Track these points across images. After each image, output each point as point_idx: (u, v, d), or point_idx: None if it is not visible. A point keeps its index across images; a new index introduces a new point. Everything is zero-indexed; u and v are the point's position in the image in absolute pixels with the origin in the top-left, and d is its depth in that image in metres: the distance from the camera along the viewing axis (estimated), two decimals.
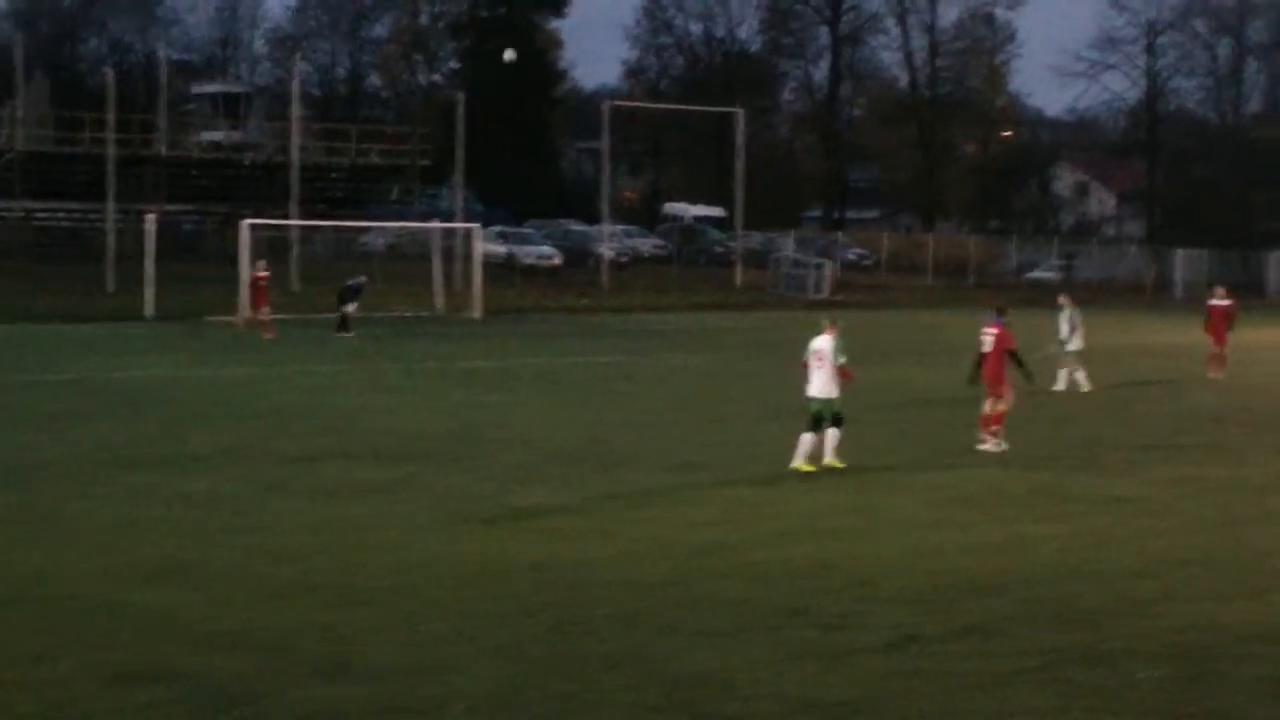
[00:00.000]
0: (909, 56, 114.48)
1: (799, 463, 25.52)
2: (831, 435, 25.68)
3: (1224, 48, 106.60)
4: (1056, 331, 39.42)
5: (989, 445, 28.31)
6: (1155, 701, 14.01)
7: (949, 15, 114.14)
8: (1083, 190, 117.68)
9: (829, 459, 25.64)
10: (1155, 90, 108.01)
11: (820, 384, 25.63)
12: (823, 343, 25.82)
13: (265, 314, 51.73)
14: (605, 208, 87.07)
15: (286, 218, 74.05)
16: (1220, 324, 43.84)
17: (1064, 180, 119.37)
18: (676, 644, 15.48)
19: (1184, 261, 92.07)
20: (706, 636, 15.74)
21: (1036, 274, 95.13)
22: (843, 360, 25.76)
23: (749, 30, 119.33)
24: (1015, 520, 22.21)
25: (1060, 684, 14.40)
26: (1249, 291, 75.81)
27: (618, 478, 25.06)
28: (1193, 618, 16.81)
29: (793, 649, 15.35)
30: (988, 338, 28.86)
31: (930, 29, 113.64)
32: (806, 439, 25.61)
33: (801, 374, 26.13)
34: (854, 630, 16.07)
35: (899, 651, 15.32)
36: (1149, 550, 20.30)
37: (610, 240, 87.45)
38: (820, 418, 25.63)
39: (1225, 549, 20.55)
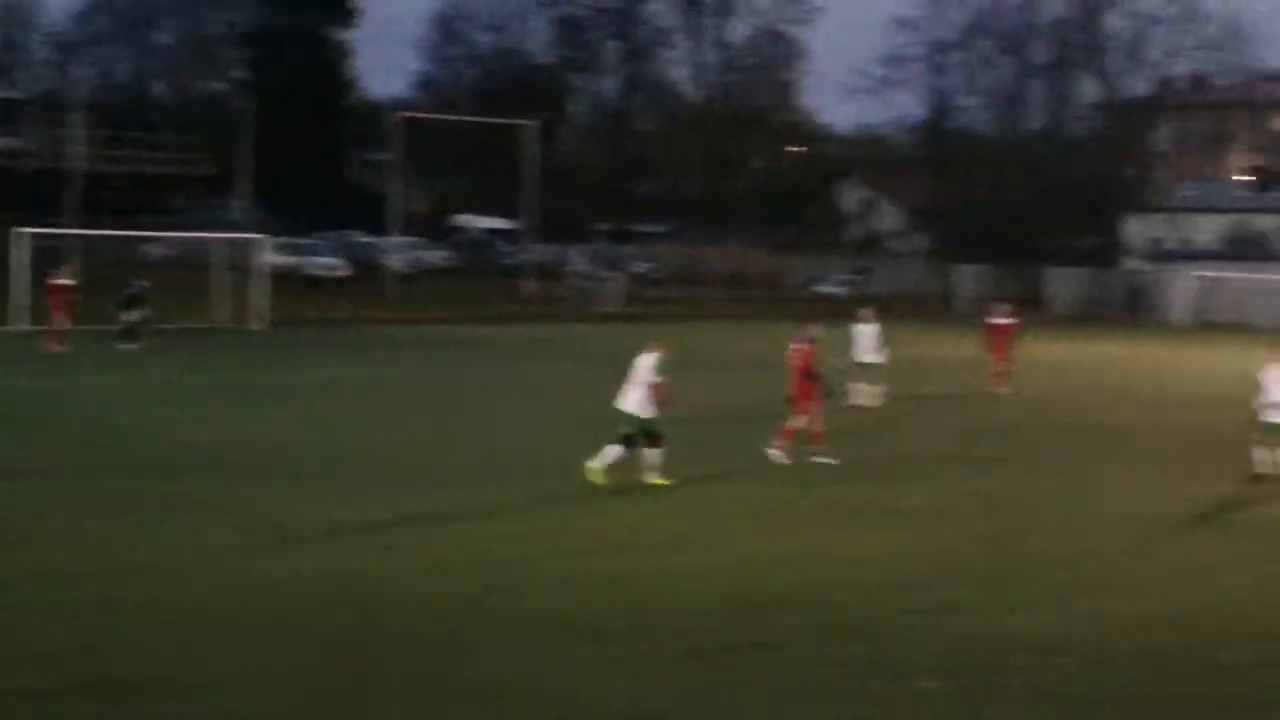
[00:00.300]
0: (699, 71, 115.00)
1: (594, 464, 25.39)
2: (647, 455, 25.59)
3: (1008, 67, 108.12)
4: (853, 345, 39.60)
5: (788, 457, 28.41)
6: (934, 712, 14.13)
7: (740, 31, 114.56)
8: (871, 205, 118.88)
9: (651, 478, 25.51)
10: (941, 108, 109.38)
11: (633, 401, 25.56)
12: (644, 360, 25.73)
13: (61, 324, 50.29)
14: (394, 219, 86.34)
15: (66, 227, 72.44)
16: (1000, 341, 44.36)
17: (852, 195, 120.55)
18: (468, 657, 15.36)
19: (968, 277, 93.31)
20: (498, 649, 15.62)
21: (825, 288, 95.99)
22: (657, 379, 25.59)
23: (540, 43, 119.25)
24: (804, 533, 22.26)
25: (842, 696, 14.45)
26: (1032, 306, 76.92)
27: (413, 491, 24.73)
28: (972, 628, 16.98)
29: (583, 662, 15.31)
30: (796, 354, 28.94)
31: (721, 44, 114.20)
32: (611, 450, 25.53)
33: (620, 388, 25.96)
34: (643, 643, 16.01)
35: (685, 665, 15.29)
36: (932, 562, 20.44)
37: (398, 252, 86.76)
38: (642, 433, 25.54)
39: (1005, 560, 20.77)
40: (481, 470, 27.19)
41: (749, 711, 14.07)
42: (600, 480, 25.21)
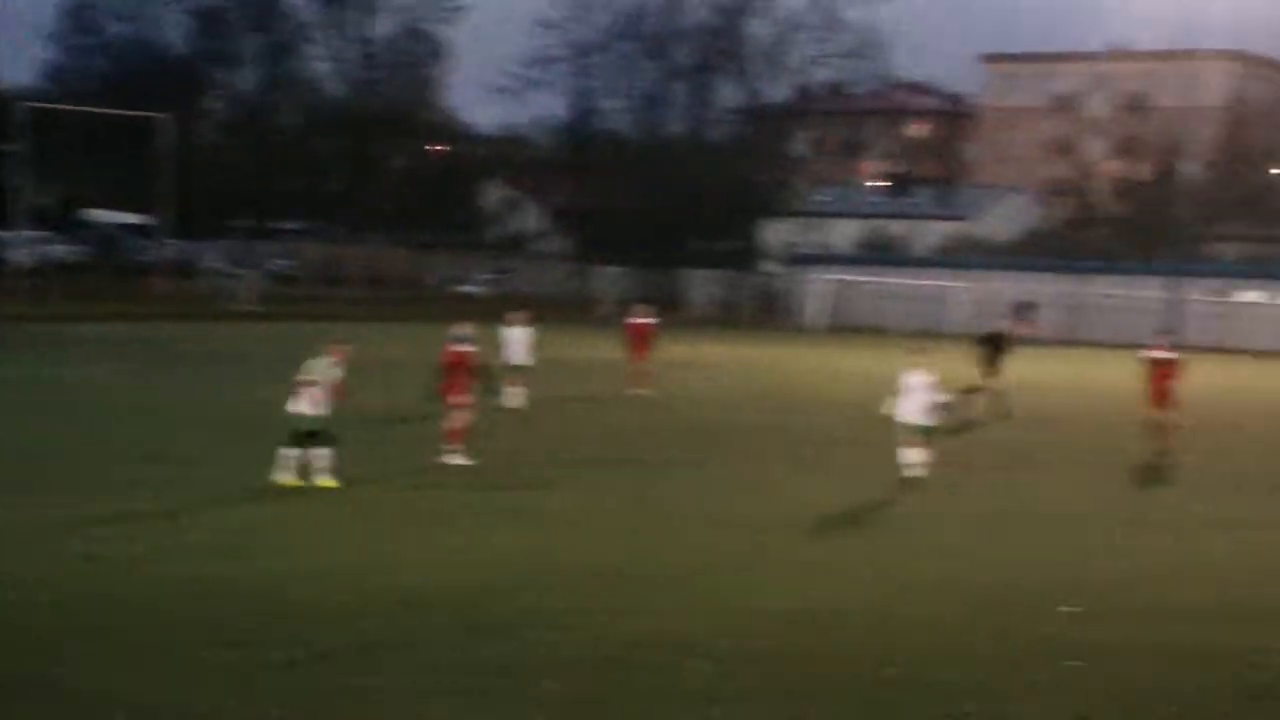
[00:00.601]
0: (341, 67, 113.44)
1: (283, 478, 25.02)
2: (316, 456, 25.19)
3: (651, 70, 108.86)
4: (503, 346, 39.19)
5: (457, 459, 28.18)
6: (563, 711, 14.02)
7: (382, 27, 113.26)
8: (513, 206, 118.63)
9: (320, 479, 25.10)
10: (584, 109, 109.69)
11: (306, 402, 25.26)
12: (316, 364, 25.57)
13: None
14: (19, 212, 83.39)
15: None
16: (639, 341, 44.43)
17: (494, 195, 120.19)
18: (74, 664, 14.80)
19: (609, 278, 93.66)
20: (109, 655, 15.14)
21: (466, 288, 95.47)
22: (325, 381, 25.41)
23: (176, 34, 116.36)
24: (444, 535, 21.97)
25: (470, 696, 14.29)
26: (671, 309, 77.38)
27: (47, 494, 23.83)
28: (606, 628, 16.87)
29: (195, 666, 14.89)
30: (453, 354, 28.78)
31: (363, 40, 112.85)
32: (288, 454, 25.15)
33: (291, 391, 25.62)
34: (260, 647, 15.53)
35: (305, 668, 14.97)
36: (569, 563, 20.32)
37: (23, 245, 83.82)
38: (304, 435, 25.17)
39: (643, 560, 20.67)
40: (108, 472, 26.34)
41: (367, 713, 13.78)
42: (295, 484, 24.80)
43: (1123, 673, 15.90)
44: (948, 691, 15.04)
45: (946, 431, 29.60)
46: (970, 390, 39.08)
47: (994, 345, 40.75)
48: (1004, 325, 41.92)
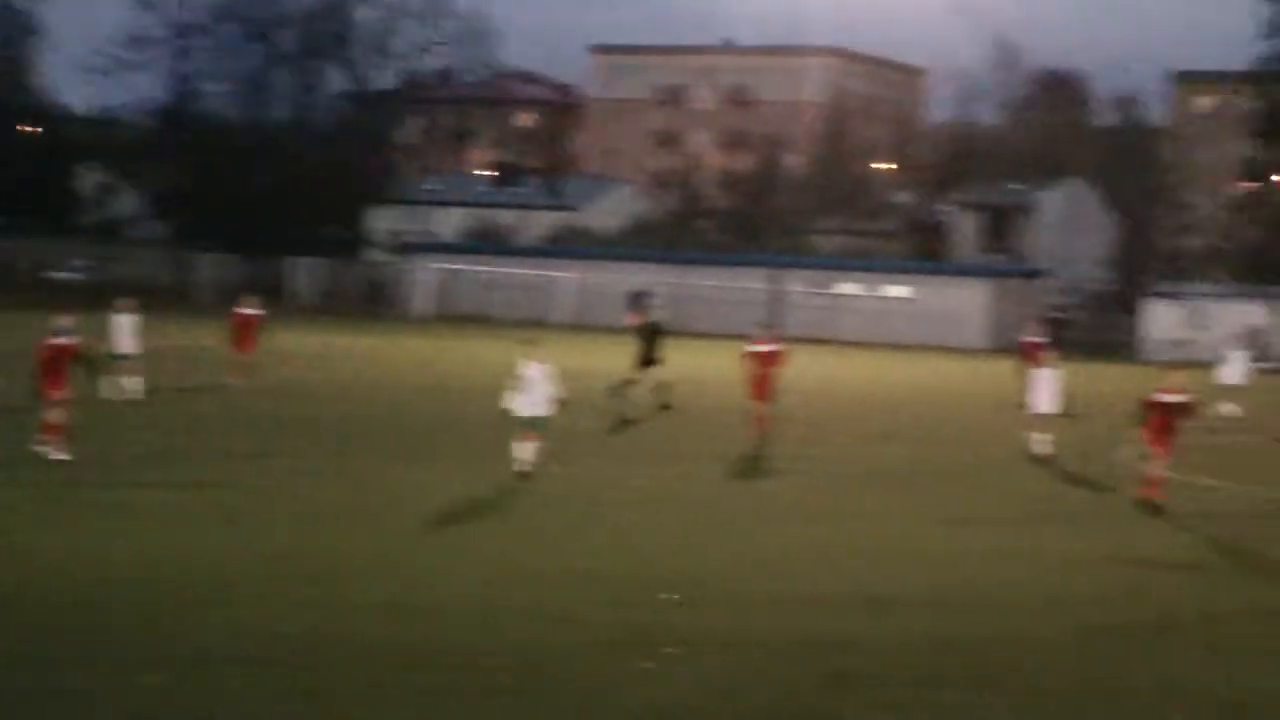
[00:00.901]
0: None
1: None
2: None
3: (254, 54, 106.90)
4: (111, 335, 38.04)
5: (56, 452, 27.30)
6: (152, 705, 13.80)
7: None
8: (109, 190, 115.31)
9: None
10: (185, 92, 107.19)
11: None
12: None
13: None
14: None
15: None
16: (244, 331, 43.43)
17: (89, 179, 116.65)
18: None
19: (210, 265, 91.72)
20: None
21: (59, 275, 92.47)
22: None
23: None
24: (31, 532, 21.28)
25: (65, 694, 13.96)
26: (275, 297, 75.99)
27: None
28: (201, 624, 16.55)
29: None
30: (52, 347, 28.08)
31: None
32: None
33: None
34: None
35: None
36: (162, 557, 19.78)
37: None
38: None
39: (237, 555, 20.19)
40: None
41: None
42: None
43: (719, 661, 15.96)
44: (549, 678, 15.06)
45: (559, 423, 29.27)
46: (660, 386, 39.45)
47: (651, 336, 40.84)
48: (660, 316, 41.95)
